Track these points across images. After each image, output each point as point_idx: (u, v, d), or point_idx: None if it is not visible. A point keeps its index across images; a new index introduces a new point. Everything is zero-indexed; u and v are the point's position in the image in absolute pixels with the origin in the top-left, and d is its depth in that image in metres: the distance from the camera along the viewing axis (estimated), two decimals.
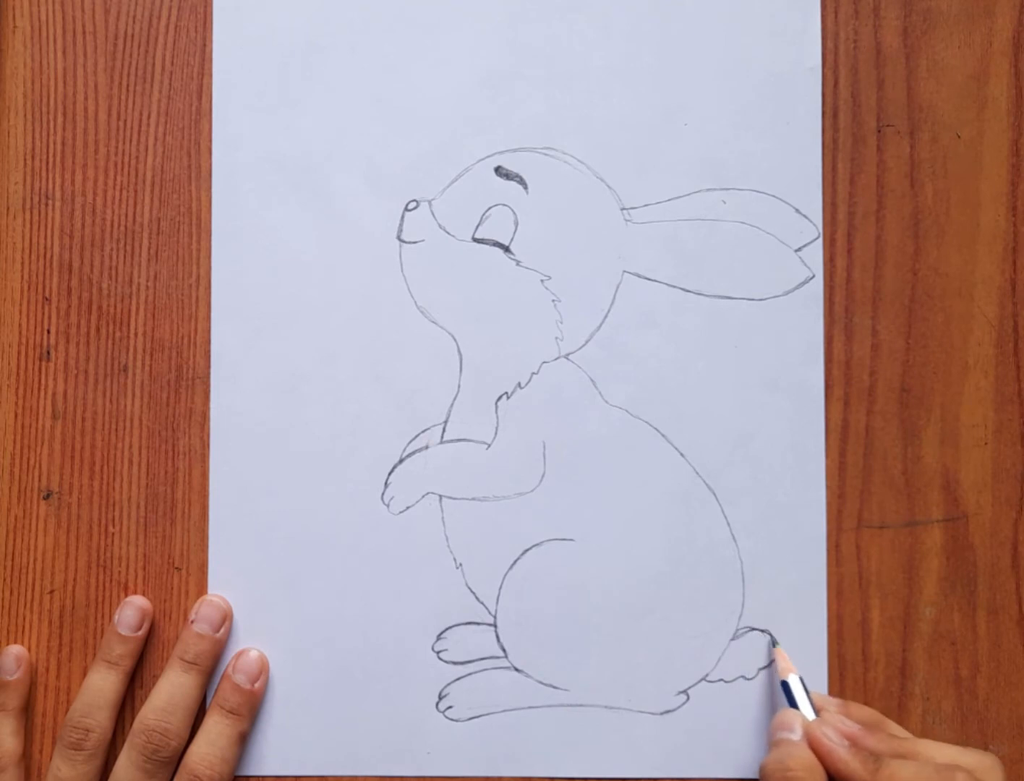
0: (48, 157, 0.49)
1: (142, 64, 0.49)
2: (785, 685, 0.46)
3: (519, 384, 0.49)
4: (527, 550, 0.49)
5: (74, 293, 0.49)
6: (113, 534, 0.49)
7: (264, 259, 0.49)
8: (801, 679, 0.46)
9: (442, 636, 0.49)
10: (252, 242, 0.49)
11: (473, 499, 0.49)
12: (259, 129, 0.49)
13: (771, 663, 0.48)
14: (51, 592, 0.49)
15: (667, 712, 0.48)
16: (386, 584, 0.49)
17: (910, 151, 0.50)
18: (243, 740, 0.47)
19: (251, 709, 0.47)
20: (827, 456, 0.49)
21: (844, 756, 0.42)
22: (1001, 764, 0.43)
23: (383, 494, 0.49)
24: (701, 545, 0.49)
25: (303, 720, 0.48)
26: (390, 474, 0.49)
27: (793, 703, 0.46)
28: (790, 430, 0.49)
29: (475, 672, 0.49)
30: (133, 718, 0.47)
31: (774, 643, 0.48)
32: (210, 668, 0.47)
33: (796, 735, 0.43)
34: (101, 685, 0.47)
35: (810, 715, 0.45)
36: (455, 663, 0.49)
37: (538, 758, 0.48)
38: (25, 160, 0.49)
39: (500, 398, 0.49)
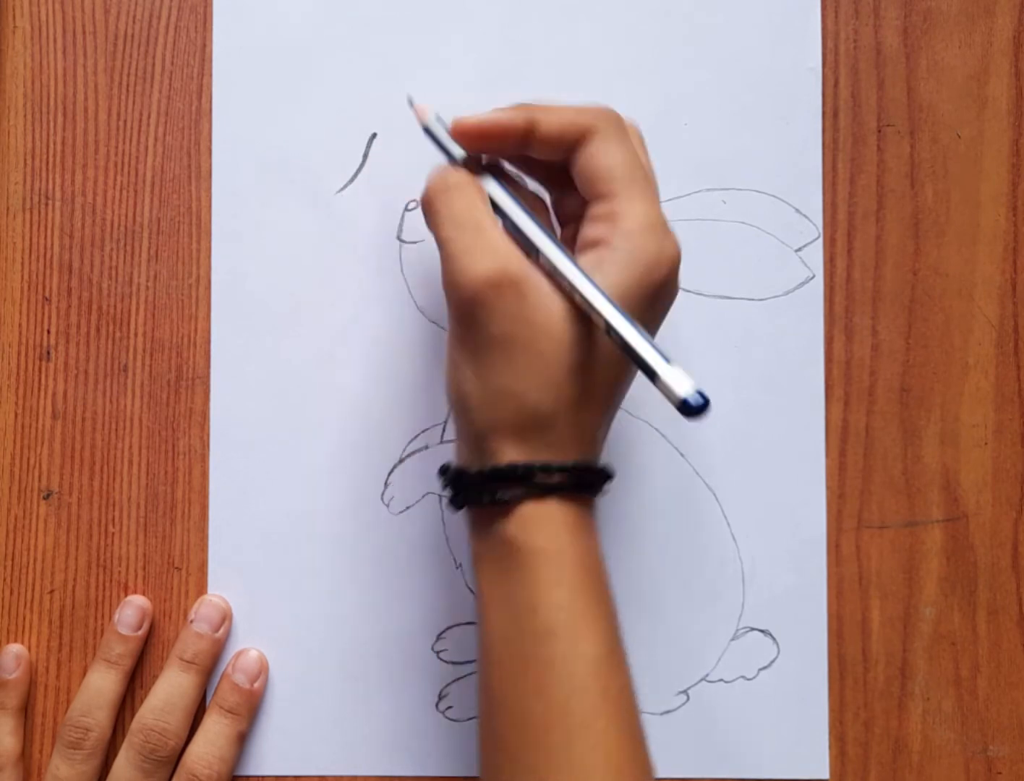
0: (48, 157, 0.49)
1: (142, 64, 0.49)
2: (428, 132, 0.42)
3: None
4: None
5: (74, 293, 0.49)
6: (113, 534, 0.49)
7: (264, 259, 0.49)
8: (438, 117, 0.42)
9: (442, 636, 0.49)
10: (252, 242, 0.49)
11: None
12: (259, 129, 0.49)
13: (770, 664, 0.48)
14: (51, 592, 0.49)
15: (667, 712, 0.48)
16: (386, 584, 0.49)
17: (910, 151, 0.50)
18: (242, 740, 0.47)
19: (250, 709, 0.47)
20: (827, 456, 0.49)
21: (487, 114, 0.40)
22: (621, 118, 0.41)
23: (383, 494, 0.49)
24: (701, 545, 0.49)
25: (303, 720, 0.48)
26: (390, 474, 0.49)
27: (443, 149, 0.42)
28: (790, 430, 0.49)
29: (475, 672, 0.49)
30: (133, 718, 0.47)
31: (411, 102, 0.43)
32: (209, 668, 0.47)
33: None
34: (101, 685, 0.47)
35: (458, 151, 0.42)
36: (455, 663, 0.49)
37: None
38: (25, 160, 0.49)
39: None
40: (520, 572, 0.39)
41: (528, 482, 0.39)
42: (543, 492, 0.39)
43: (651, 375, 0.36)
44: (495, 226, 0.39)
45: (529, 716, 0.38)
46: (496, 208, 0.41)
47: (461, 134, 0.41)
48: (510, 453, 0.39)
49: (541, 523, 0.39)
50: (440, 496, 0.49)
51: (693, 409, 0.35)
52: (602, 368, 0.39)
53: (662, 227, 0.39)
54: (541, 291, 0.39)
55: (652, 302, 0.39)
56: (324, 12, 0.50)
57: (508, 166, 0.43)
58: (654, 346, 0.37)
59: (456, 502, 0.41)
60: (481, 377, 0.39)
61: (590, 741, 0.37)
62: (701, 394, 0.35)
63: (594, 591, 0.39)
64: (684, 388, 0.35)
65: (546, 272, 0.39)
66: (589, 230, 0.40)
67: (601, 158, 0.39)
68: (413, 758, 0.48)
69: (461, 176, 0.41)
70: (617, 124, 0.40)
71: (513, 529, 0.39)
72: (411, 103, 0.43)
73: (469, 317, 0.39)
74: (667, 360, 0.36)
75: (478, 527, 0.41)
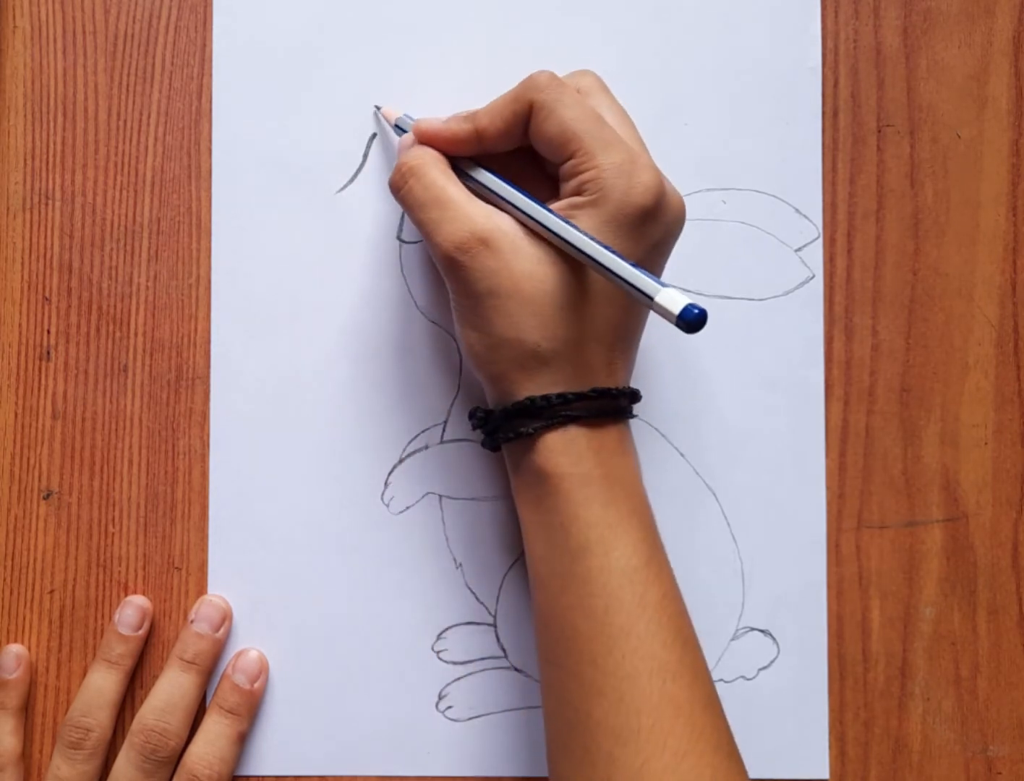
0: (48, 157, 0.49)
1: (142, 64, 0.49)
2: (398, 128, 0.47)
3: None
4: None
5: (74, 293, 0.49)
6: (113, 534, 0.49)
7: (264, 259, 0.49)
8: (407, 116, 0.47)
9: (442, 636, 0.49)
10: (252, 242, 0.49)
11: (473, 499, 0.49)
12: (259, 129, 0.49)
13: (770, 664, 0.48)
14: (51, 592, 0.49)
15: None
16: (386, 584, 0.49)
17: (910, 151, 0.50)
18: (242, 740, 0.47)
19: (250, 709, 0.47)
20: (827, 456, 0.49)
21: (440, 125, 0.43)
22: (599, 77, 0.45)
23: (383, 494, 0.49)
24: (701, 545, 0.49)
25: (303, 720, 0.48)
26: (390, 474, 0.49)
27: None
28: (790, 430, 0.49)
29: (475, 672, 0.49)
30: (133, 718, 0.47)
31: (377, 108, 0.48)
32: (209, 668, 0.47)
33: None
34: (101, 685, 0.47)
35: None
36: (455, 663, 0.49)
37: (538, 758, 0.48)
38: (25, 160, 0.49)
39: None
40: (552, 498, 0.41)
41: (547, 414, 0.41)
42: (563, 422, 0.41)
43: (647, 297, 0.37)
44: (460, 193, 0.42)
45: (574, 630, 0.40)
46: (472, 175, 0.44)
47: (420, 136, 0.44)
48: (525, 390, 0.41)
49: (565, 450, 0.41)
50: (440, 496, 0.49)
51: (692, 322, 0.36)
52: (596, 304, 0.41)
53: (628, 163, 0.41)
54: (515, 242, 0.41)
55: (637, 236, 0.41)
56: (324, 12, 0.49)
57: None
58: (640, 270, 0.38)
59: (488, 442, 0.44)
60: (482, 331, 0.42)
61: (631, 645, 0.39)
62: (696, 306, 0.36)
63: (626, 507, 0.41)
64: (679, 303, 0.36)
65: (521, 223, 0.41)
66: (562, 190, 0.42)
67: (546, 128, 0.41)
68: (413, 758, 0.48)
69: (414, 159, 0.43)
70: (552, 87, 0.42)
71: (540, 459, 0.41)
72: (378, 109, 0.49)
73: (455, 281, 0.42)
74: (660, 284, 0.37)
75: (513, 463, 0.43)
